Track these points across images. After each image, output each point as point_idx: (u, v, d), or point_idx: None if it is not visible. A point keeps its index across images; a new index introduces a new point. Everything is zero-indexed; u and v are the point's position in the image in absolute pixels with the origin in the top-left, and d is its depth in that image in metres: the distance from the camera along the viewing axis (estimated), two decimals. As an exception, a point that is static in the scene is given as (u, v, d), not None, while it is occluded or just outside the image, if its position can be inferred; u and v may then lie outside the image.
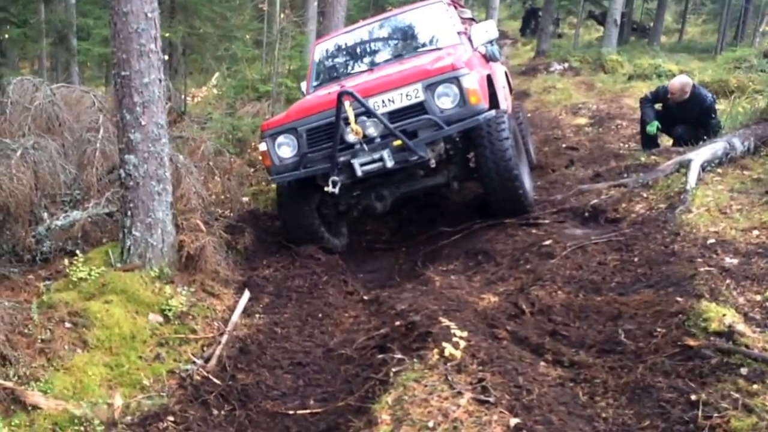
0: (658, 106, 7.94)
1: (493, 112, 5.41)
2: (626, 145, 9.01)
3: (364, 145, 5.32)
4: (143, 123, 4.60)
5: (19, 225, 5.11)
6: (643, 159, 6.84)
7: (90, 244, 5.31)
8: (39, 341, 3.72)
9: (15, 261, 5.15)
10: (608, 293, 3.96)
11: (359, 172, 5.35)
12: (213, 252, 5.10)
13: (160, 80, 4.69)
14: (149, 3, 4.53)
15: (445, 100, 5.25)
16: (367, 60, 6.87)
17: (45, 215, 5.33)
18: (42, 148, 5.44)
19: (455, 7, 7.15)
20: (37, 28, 14.00)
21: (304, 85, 7.35)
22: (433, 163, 5.51)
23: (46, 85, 6.72)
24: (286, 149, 5.68)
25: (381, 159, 5.29)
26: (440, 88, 5.24)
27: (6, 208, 4.83)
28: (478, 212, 5.99)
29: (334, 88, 5.57)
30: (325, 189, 5.46)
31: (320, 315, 4.74)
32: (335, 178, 5.40)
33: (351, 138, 5.31)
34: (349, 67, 6.91)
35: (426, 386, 3.02)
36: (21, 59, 16.97)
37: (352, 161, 5.35)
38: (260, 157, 6.56)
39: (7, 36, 13.67)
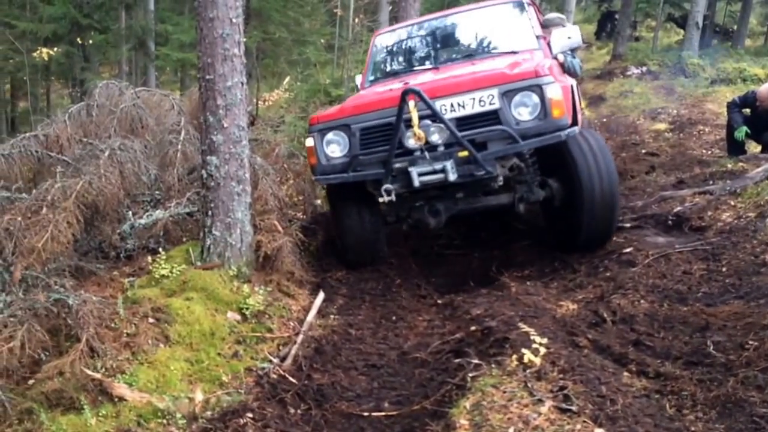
0: (746, 111, 7.67)
1: (576, 129, 4.79)
2: (710, 152, 8.72)
3: (426, 153, 4.76)
4: (225, 125, 4.69)
5: (106, 223, 5.28)
6: (729, 166, 6.61)
7: (171, 243, 5.43)
8: (125, 335, 3.82)
9: (101, 257, 5.31)
10: (695, 303, 3.82)
11: (416, 183, 4.76)
12: (289, 253, 5.15)
13: (242, 84, 4.78)
14: (234, 9, 4.62)
15: (524, 111, 4.65)
16: (432, 57, 6.35)
17: (129, 214, 5.49)
18: (127, 149, 5.61)
19: (536, 9, 6.55)
20: (118, 34, 14.58)
21: (359, 78, 6.86)
22: (501, 181, 4.97)
23: (130, 88, 6.96)
24: (335, 148, 5.12)
25: (443, 170, 4.70)
26: (518, 97, 4.64)
27: (95, 206, 4.99)
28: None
29: (394, 85, 5.17)
30: (378, 199, 5.01)
31: (394, 318, 4.74)
32: (389, 186, 4.89)
33: (411, 143, 4.78)
34: (412, 63, 6.39)
35: (505, 392, 2.97)
36: (101, 64, 17.61)
37: (409, 169, 4.78)
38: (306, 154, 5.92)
39: (90, 41, 14.27)
